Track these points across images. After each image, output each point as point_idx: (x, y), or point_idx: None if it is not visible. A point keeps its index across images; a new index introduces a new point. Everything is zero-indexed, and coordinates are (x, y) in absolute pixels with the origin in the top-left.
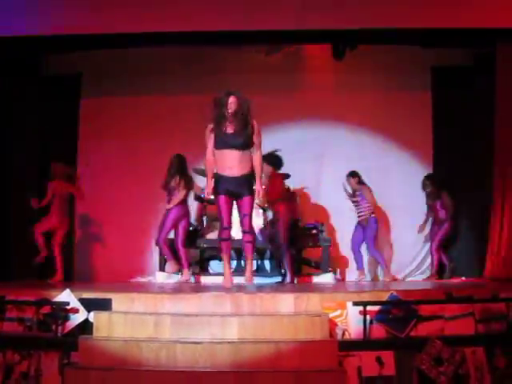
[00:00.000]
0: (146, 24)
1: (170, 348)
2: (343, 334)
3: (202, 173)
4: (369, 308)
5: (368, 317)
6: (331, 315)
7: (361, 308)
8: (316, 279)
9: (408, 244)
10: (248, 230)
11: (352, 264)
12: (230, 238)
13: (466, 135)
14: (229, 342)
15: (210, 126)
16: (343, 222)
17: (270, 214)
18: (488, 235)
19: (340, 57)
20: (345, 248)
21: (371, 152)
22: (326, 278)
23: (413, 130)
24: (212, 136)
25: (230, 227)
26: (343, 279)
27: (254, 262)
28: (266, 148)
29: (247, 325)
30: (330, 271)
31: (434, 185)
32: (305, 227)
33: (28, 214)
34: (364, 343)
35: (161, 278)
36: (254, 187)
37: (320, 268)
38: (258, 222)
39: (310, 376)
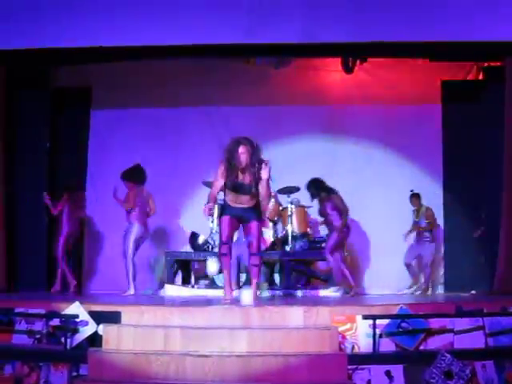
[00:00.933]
0: (156, 36)
1: (180, 361)
2: (352, 347)
3: (210, 185)
4: (378, 322)
5: (377, 330)
6: (340, 329)
7: (370, 322)
8: (325, 292)
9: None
10: (255, 252)
11: (361, 277)
12: (229, 253)
13: (476, 149)
14: (238, 356)
15: (222, 167)
16: (354, 235)
17: (279, 227)
18: (498, 249)
19: (349, 70)
20: (354, 261)
21: (381, 165)
22: (334, 292)
23: (423, 143)
24: (221, 179)
25: (229, 242)
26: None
27: (263, 275)
28: (273, 159)
29: (256, 338)
30: (337, 284)
31: (319, 189)
32: (314, 240)
33: (36, 225)
34: (373, 357)
35: (170, 291)
36: (261, 215)
37: (329, 281)
38: (267, 235)
39: None
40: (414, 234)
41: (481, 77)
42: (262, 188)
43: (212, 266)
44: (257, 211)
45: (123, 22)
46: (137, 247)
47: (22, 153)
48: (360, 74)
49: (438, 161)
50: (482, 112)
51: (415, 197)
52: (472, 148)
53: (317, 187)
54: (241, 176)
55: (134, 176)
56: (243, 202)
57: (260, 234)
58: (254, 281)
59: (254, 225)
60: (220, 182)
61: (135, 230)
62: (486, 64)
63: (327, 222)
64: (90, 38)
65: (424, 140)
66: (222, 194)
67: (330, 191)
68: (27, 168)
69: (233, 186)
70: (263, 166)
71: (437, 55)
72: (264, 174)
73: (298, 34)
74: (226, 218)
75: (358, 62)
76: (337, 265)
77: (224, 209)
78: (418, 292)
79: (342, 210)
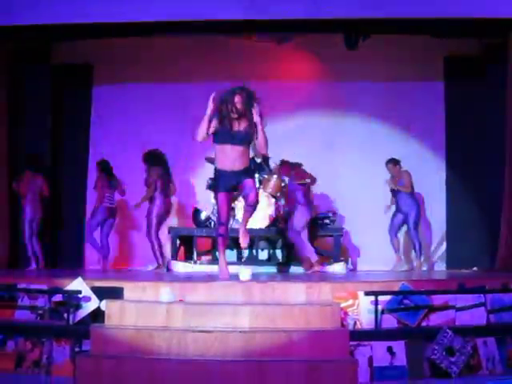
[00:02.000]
0: (157, 12)
1: (182, 337)
2: (354, 323)
3: (214, 161)
4: (380, 298)
5: (379, 307)
6: (343, 305)
7: (372, 298)
8: (327, 269)
9: (420, 234)
10: (253, 204)
11: (364, 253)
12: (226, 234)
13: (479, 124)
14: (240, 331)
15: (216, 111)
16: (355, 211)
17: (281, 203)
18: (500, 225)
19: (352, 46)
20: (357, 237)
21: (383, 141)
22: (337, 268)
23: (425, 119)
24: (213, 123)
25: (226, 223)
26: (355, 269)
27: (266, 250)
28: (275, 135)
29: (259, 314)
30: (341, 261)
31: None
32: (317, 216)
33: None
34: (375, 333)
35: (173, 266)
36: (254, 175)
37: (331, 257)
38: (270, 211)
39: (321, 365)
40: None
41: (483, 53)
42: (258, 135)
43: (165, 293)
44: (250, 172)
45: None
46: (159, 224)
47: (25, 129)
48: (363, 50)
49: (440, 137)
50: (485, 88)
51: (392, 163)
52: (474, 124)
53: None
54: (236, 125)
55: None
56: (236, 159)
57: (255, 187)
58: (246, 219)
59: (248, 181)
60: (208, 116)
61: (156, 208)
62: (488, 40)
63: (290, 199)
64: (91, 15)
65: (426, 116)
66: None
67: (294, 165)
68: (30, 145)
69: (224, 137)
70: (255, 106)
71: (439, 32)
72: (256, 117)
73: (300, 10)
74: (222, 196)
75: (360, 38)
76: (301, 241)
77: (217, 181)
78: (405, 268)
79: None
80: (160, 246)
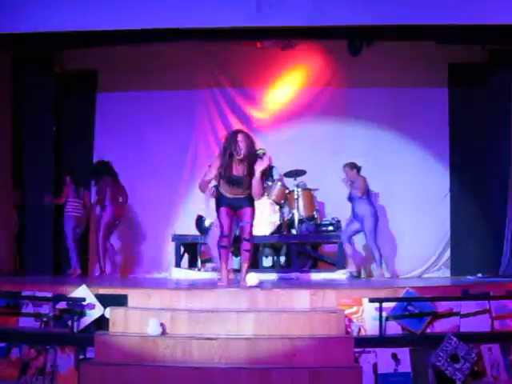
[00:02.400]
0: (161, 20)
1: (186, 344)
2: (359, 330)
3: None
4: (385, 305)
5: (384, 313)
6: (347, 312)
7: (377, 305)
8: (331, 275)
9: (423, 241)
10: (248, 237)
11: (368, 260)
12: (229, 246)
13: (483, 130)
14: (244, 339)
15: (218, 162)
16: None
17: (286, 211)
18: (504, 231)
19: (356, 52)
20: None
21: (387, 148)
22: (341, 275)
23: (430, 126)
24: (214, 172)
25: (229, 235)
26: (359, 276)
27: (270, 258)
28: (279, 142)
29: (263, 321)
30: (345, 267)
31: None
32: (321, 223)
33: (44, 209)
34: (380, 340)
35: (176, 274)
36: (254, 202)
37: (336, 264)
38: (274, 219)
39: (326, 372)
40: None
41: (487, 60)
42: (254, 183)
43: (152, 326)
44: (251, 199)
45: (128, 5)
46: (109, 230)
47: (28, 138)
48: (366, 56)
49: (444, 143)
50: (489, 95)
51: (349, 166)
52: (479, 131)
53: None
54: (236, 169)
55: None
56: (238, 193)
57: (253, 220)
58: (246, 265)
59: (248, 210)
60: (213, 173)
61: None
62: (492, 47)
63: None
64: (95, 22)
65: (431, 122)
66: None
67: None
68: (34, 153)
69: (228, 180)
70: (263, 157)
71: (443, 38)
72: (259, 167)
73: (304, 17)
74: (223, 210)
75: (364, 44)
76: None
77: (219, 199)
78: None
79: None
80: (106, 251)
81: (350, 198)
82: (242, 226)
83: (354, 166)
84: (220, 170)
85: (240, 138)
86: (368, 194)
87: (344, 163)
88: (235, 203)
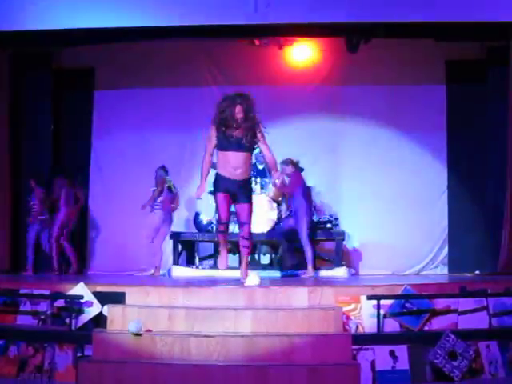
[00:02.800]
0: (159, 17)
1: (184, 341)
2: (357, 327)
3: (215, 166)
4: (383, 302)
5: (382, 311)
6: (345, 309)
7: (375, 302)
8: (330, 273)
9: (421, 238)
10: (247, 237)
11: (366, 258)
12: (226, 231)
13: (481, 127)
14: (242, 336)
15: (214, 127)
16: (358, 215)
17: (283, 208)
18: (502, 228)
19: (354, 50)
20: (359, 241)
21: (385, 145)
22: (339, 272)
23: (427, 123)
24: (213, 138)
25: (227, 222)
26: (357, 273)
27: (268, 255)
28: (277, 140)
29: (261, 318)
30: (343, 265)
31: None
32: (319, 220)
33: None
34: (378, 337)
35: (174, 271)
36: (252, 193)
37: (334, 262)
38: (272, 216)
39: (324, 369)
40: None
41: (485, 56)
42: (264, 151)
43: (132, 324)
44: (249, 188)
45: (126, 3)
46: (62, 231)
47: (26, 135)
48: (364, 53)
49: (442, 140)
50: (487, 92)
51: (286, 163)
52: (476, 128)
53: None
54: (235, 131)
55: None
56: (238, 166)
57: (251, 216)
58: (245, 260)
59: (246, 207)
60: (212, 144)
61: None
62: (490, 43)
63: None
64: (93, 20)
65: (429, 120)
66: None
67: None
68: (31, 151)
69: (226, 143)
70: (258, 121)
71: (441, 35)
72: (259, 134)
73: (302, 14)
74: (220, 196)
75: (362, 41)
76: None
77: (217, 183)
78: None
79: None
80: (58, 250)
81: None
82: (241, 224)
83: (289, 162)
84: (217, 135)
85: (237, 110)
86: (303, 191)
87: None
88: (232, 188)
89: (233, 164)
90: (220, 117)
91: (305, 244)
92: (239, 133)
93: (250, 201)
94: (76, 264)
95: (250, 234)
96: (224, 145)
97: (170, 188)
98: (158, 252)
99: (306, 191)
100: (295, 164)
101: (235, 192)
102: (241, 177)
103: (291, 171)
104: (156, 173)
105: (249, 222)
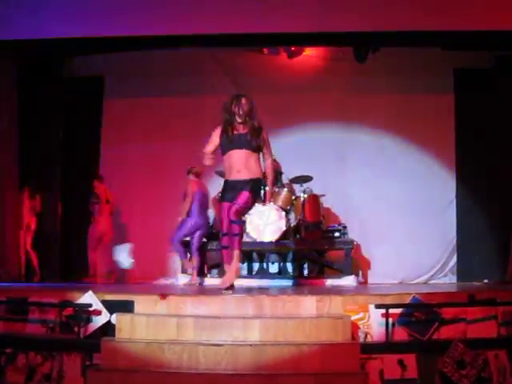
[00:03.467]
0: (167, 26)
1: (192, 350)
2: (365, 336)
3: (223, 175)
4: (391, 311)
5: (390, 320)
6: (353, 318)
7: (383, 311)
8: (338, 282)
9: (429, 247)
10: (234, 219)
11: (374, 266)
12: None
13: (489, 137)
14: (251, 345)
15: (219, 129)
16: (366, 224)
17: (292, 216)
18: (510, 237)
19: (362, 59)
20: (367, 250)
21: (393, 154)
22: (348, 281)
23: (435, 132)
24: (215, 139)
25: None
26: (365, 282)
27: (276, 264)
28: (286, 148)
29: (269, 327)
30: (352, 274)
31: None
32: (327, 229)
33: (52, 215)
34: (386, 346)
35: (183, 280)
36: (259, 194)
37: (342, 270)
38: (281, 225)
39: (332, 379)
40: None
41: (494, 66)
42: (267, 162)
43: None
44: (254, 184)
45: (136, 12)
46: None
47: (35, 144)
48: (372, 63)
49: (450, 149)
50: (495, 101)
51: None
52: (485, 137)
53: None
54: (239, 128)
55: None
56: (241, 166)
57: (247, 203)
58: (236, 252)
59: (244, 193)
60: (215, 141)
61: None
62: (499, 53)
63: None
64: (103, 28)
65: (437, 129)
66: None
67: None
68: (42, 159)
69: (229, 143)
70: (263, 128)
71: (450, 44)
72: (265, 144)
73: (310, 23)
74: (225, 205)
75: (370, 51)
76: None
77: (224, 193)
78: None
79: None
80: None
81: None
82: (230, 206)
83: (188, 172)
84: (221, 136)
85: (244, 101)
86: (200, 200)
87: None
88: (238, 188)
89: (237, 164)
90: (224, 114)
91: (193, 251)
92: (243, 129)
93: (251, 190)
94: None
95: (238, 216)
96: (227, 146)
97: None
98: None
99: (203, 200)
100: (195, 173)
101: (240, 190)
102: (246, 176)
103: (191, 179)
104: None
105: (240, 204)
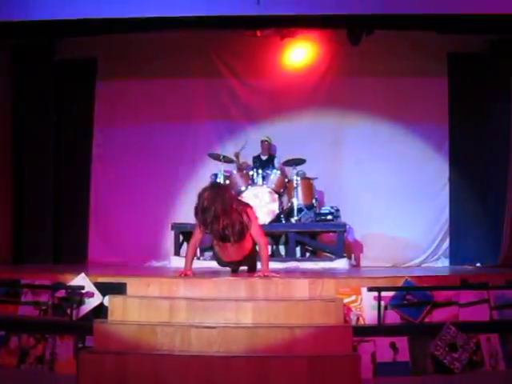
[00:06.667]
0: (160, 7)
1: (185, 332)
2: (357, 319)
3: (217, 157)
4: (383, 294)
5: (382, 302)
6: (346, 300)
7: (375, 293)
8: (330, 264)
9: (422, 230)
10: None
11: (367, 250)
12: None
13: (483, 120)
14: (243, 327)
15: (199, 224)
16: (359, 207)
17: (285, 200)
18: (503, 221)
19: (356, 42)
20: (360, 233)
21: (386, 138)
22: (340, 264)
23: (429, 116)
24: (200, 232)
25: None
26: (358, 265)
27: (269, 247)
28: (279, 131)
29: (262, 310)
30: (344, 257)
31: None
32: (320, 212)
33: (43, 197)
34: (378, 329)
35: (175, 262)
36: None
37: (334, 253)
38: (273, 207)
39: (324, 361)
40: None
41: (488, 49)
42: (258, 244)
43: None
44: (251, 259)
45: None
46: None
47: (28, 126)
48: (366, 46)
49: (444, 132)
50: (489, 84)
51: None
52: (478, 120)
53: None
54: (215, 223)
55: None
56: (233, 254)
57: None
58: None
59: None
60: (199, 235)
61: None
62: (493, 36)
63: None
64: (94, 10)
65: (430, 113)
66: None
67: None
68: (33, 141)
69: (215, 235)
70: (246, 210)
71: (444, 28)
72: (252, 227)
73: (304, 5)
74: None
75: (364, 33)
76: None
77: (217, 259)
78: None
79: None
80: None
81: None
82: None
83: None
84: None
85: (205, 195)
86: None
87: None
88: (235, 267)
89: (227, 253)
90: (196, 209)
91: None
92: (218, 224)
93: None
94: None
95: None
96: (214, 236)
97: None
98: None
99: None
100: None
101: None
102: (239, 258)
103: None
104: None
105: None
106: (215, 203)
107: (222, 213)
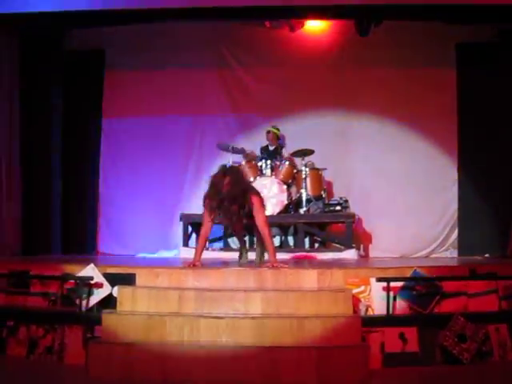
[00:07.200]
0: None
1: (194, 323)
2: (366, 309)
3: (226, 148)
4: (392, 284)
5: (391, 293)
6: (355, 291)
7: (384, 284)
8: (339, 255)
9: (431, 221)
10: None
11: (376, 240)
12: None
13: (492, 112)
14: (252, 317)
15: (207, 208)
16: (368, 198)
17: (293, 190)
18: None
19: (364, 33)
20: (369, 224)
21: (395, 129)
22: (349, 254)
23: (437, 106)
24: (209, 220)
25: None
26: (367, 255)
27: (278, 237)
28: (287, 122)
29: (270, 300)
30: (353, 247)
31: None
32: (328, 203)
33: (52, 187)
34: (387, 319)
35: (184, 253)
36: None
37: (343, 244)
38: (282, 198)
39: (333, 351)
40: None
41: (497, 39)
42: (262, 233)
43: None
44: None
45: None
46: None
47: (37, 117)
48: (375, 37)
49: (453, 123)
50: (498, 75)
51: None
52: (487, 111)
53: None
54: (228, 205)
55: None
56: (236, 230)
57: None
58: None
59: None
60: (209, 224)
61: None
62: (502, 26)
63: None
64: (105, 1)
65: (438, 104)
66: None
67: None
68: (42, 131)
69: (224, 216)
70: (253, 201)
71: (452, 18)
72: (256, 214)
73: None
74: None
75: (372, 24)
76: None
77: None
78: None
79: None
80: None
81: None
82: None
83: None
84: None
85: (226, 181)
86: None
87: None
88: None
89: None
90: (209, 190)
91: None
92: (233, 207)
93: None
94: None
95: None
96: (227, 218)
97: None
98: None
99: None
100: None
101: None
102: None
103: None
104: None
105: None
106: (236, 187)
107: (241, 194)
